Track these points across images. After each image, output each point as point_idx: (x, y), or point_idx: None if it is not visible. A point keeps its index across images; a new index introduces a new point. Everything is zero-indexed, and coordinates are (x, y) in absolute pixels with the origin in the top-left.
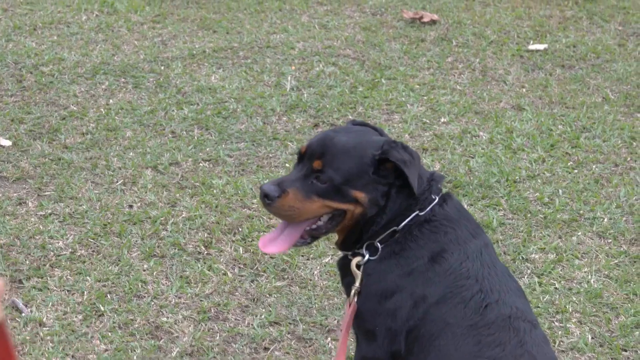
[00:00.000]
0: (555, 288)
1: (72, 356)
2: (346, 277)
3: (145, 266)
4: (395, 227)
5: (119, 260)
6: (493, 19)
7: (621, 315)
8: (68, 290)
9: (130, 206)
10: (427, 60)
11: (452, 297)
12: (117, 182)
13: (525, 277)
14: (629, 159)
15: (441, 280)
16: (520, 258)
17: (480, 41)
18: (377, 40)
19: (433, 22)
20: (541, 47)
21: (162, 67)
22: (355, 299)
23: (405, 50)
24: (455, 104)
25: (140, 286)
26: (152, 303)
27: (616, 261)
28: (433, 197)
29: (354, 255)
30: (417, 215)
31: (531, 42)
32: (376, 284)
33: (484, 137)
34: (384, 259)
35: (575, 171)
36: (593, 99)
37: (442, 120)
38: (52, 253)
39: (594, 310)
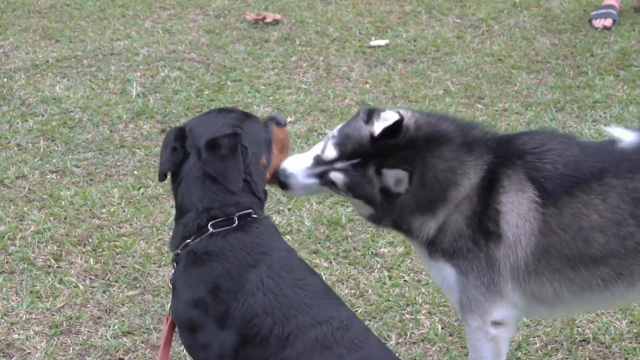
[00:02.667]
0: (405, 280)
1: None
2: None
3: None
4: (188, 240)
5: None
6: (335, 16)
7: None
8: None
9: None
10: (272, 61)
11: (252, 339)
12: None
13: (376, 271)
14: None
15: (232, 323)
16: (370, 253)
17: (323, 39)
18: (221, 43)
19: (276, 22)
20: (383, 42)
21: (5, 79)
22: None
23: (249, 52)
24: (301, 102)
25: None
26: (3, 320)
27: None
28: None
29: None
30: (187, 243)
31: (373, 38)
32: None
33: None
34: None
35: None
36: (435, 92)
37: (289, 119)
38: None
39: (443, 300)
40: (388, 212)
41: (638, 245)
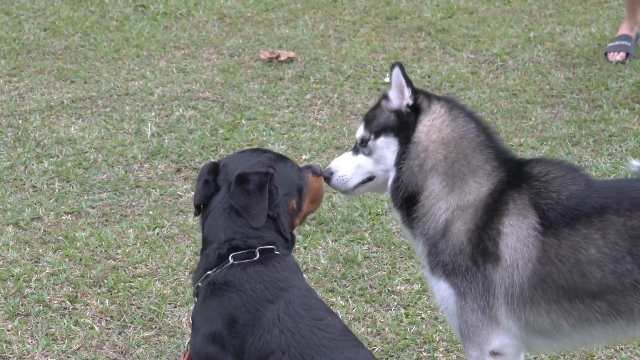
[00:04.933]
0: (422, 318)
1: None
2: None
3: (10, 326)
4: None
5: None
6: (349, 53)
7: None
8: None
9: None
10: (286, 99)
11: None
12: None
13: (392, 309)
14: None
15: (247, 358)
16: (387, 290)
17: (337, 76)
18: (236, 82)
19: (290, 60)
20: None
21: (20, 121)
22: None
23: (264, 90)
24: (315, 140)
25: (4, 347)
26: None
27: None
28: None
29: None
30: (207, 274)
31: (387, 74)
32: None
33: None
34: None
35: None
36: None
37: (304, 157)
38: None
39: None
40: (404, 135)
41: (636, 283)
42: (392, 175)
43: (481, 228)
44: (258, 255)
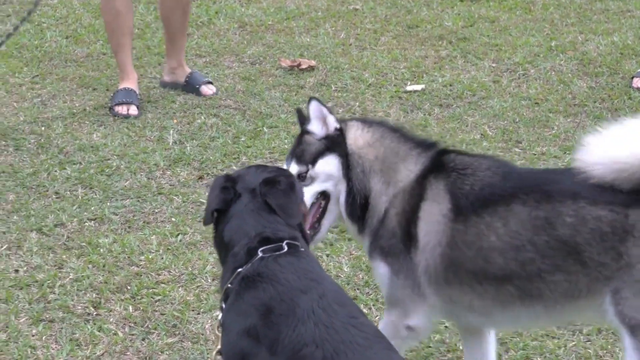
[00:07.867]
0: (445, 326)
1: None
2: None
3: (34, 331)
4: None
5: (7, 327)
6: (370, 62)
7: (510, 350)
8: None
9: (16, 271)
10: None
11: None
12: (1, 247)
13: None
14: None
15: (281, 350)
16: None
17: (358, 85)
18: (257, 89)
19: (311, 68)
20: (418, 87)
21: (43, 128)
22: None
23: (285, 98)
24: None
25: (29, 352)
26: None
27: None
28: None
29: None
30: (238, 272)
31: (408, 83)
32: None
33: None
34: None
35: None
36: (472, 136)
37: None
38: None
39: None
40: (341, 150)
41: (540, 271)
42: (343, 188)
43: (408, 212)
44: (286, 248)
